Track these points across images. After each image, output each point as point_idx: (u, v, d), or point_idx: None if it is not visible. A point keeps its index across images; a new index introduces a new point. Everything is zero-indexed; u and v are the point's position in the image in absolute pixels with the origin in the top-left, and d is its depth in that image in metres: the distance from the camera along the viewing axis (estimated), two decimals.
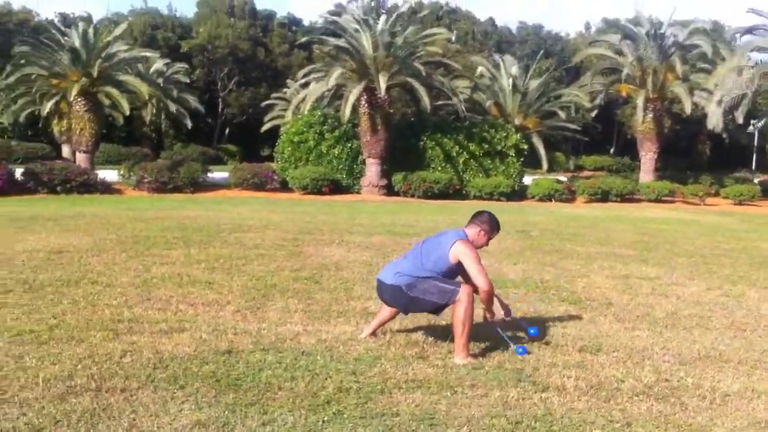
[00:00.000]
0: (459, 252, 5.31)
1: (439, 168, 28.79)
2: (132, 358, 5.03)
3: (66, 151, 37.05)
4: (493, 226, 5.59)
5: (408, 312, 5.69)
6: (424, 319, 6.46)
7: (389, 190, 28.17)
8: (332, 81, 26.75)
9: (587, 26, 68.87)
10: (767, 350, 5.89)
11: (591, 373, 5.07)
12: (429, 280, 5.31)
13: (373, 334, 5.77)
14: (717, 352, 5.75)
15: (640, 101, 31.59)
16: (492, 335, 5.72)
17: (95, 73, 27.70)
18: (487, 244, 5.61)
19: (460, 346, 5.24)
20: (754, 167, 43.81)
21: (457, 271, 5.40)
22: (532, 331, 5.72)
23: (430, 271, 5.34)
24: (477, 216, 5.63)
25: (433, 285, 5.30)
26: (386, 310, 5.72)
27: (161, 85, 38.53)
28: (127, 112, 30.27)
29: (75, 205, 19.43)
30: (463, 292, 5.24)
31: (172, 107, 40.13)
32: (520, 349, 5.43)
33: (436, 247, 5.42)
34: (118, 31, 30.67)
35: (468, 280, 5.40)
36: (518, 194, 28.31)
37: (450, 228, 5.87)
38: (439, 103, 32.82)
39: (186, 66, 46.02)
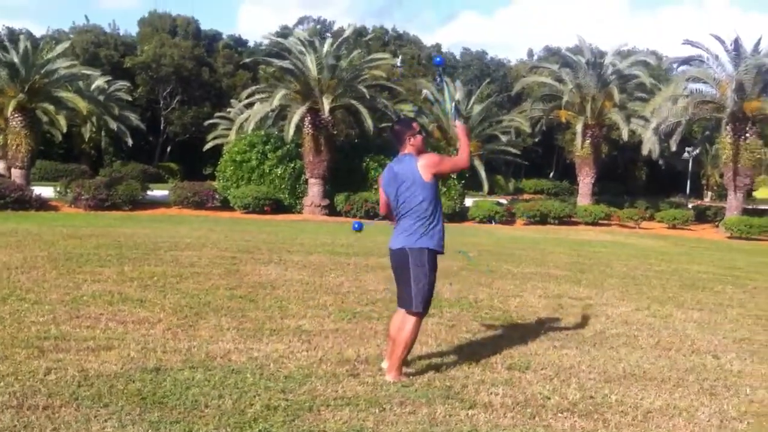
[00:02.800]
0: (427, 165, 5.14)
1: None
2: (56, 375, 4.93)
3: (1, 166, 36.17)
4: (408, 123, 5.38)
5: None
6: (357, 335, 6.49)
7: (331, 211, 28.19)
8: (276, 101, 26.79)
9: (530, 53, 70.21)
10: (690, 369, 6.05)
11: (518, 390, 5.15)
12: (423, 268, 5.15)
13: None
14: (641, 371, 5.88)
15: (579, 127, 32.28)
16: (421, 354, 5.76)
17: (33, 89, 27.18)
18: (425, 143, 5.39)
19: (395, 364, 5.23)
20: (687, 192, 45.00)
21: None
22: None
23: (425, 210, 5.16)
24: (397, 132, 5.34)
25: (426, 281, 5.17)
26: (398, 320, 5.37)
27: (102, 102, 38.01)
28: (65, 129, 29.78)
29: (8, 221, 18.96)
30: (424, 315, 5.28)
31: (113, 124, 39.62)
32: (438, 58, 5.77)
33: (409, 187, 5.16)
34: (59, 48, 30.25)
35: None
36: (459, 216, 28.59)
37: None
38: (383, 125, 33.07)
39: (128, 84, 45.55)
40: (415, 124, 5.36)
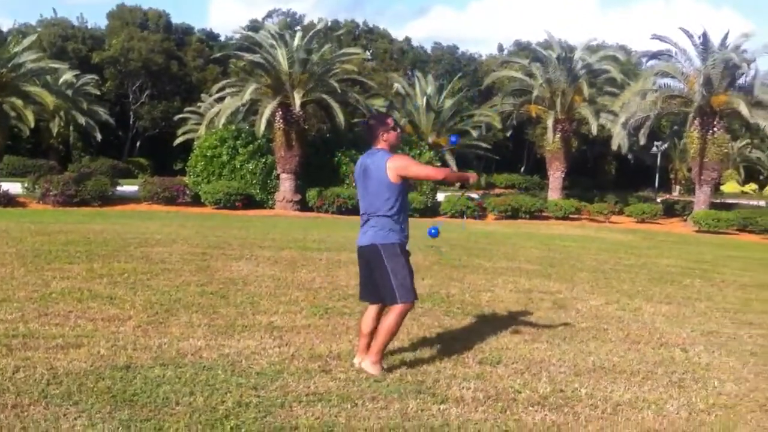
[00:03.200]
0: (395, 168, 5.13)
1: (354, 184, 28.88)
2: (25, 373, 4.87)
3: None
4: (382, 119, 5.36)
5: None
6: (329, 331, 6.49)
7: (303, 206, 28.12)
8: (247, 96, 26.64)
9: (500, 48, 70.51)
10: (659, 362, 6.12)
11: (490, 384, 5.18)
12: (399, 259, 5.17)
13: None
14: (611, 364, 5.95)
15: (549, 122, 32.48)
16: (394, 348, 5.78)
17: (0, 84, 26.77)
18: (399, 139, 5.36)
19: (374, 351, 5.22)
20: (656, 186, 45.53)
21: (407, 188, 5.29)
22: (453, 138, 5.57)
23: (391, 209, 5.16)
24: (371, 127, 5.31)
25: (401, 274, 5.16)
26: (370, 317, 5.39)
27: (70, 96, 37.53)
28: (32, 124, 29.39)
29: None
30: (409, 306, 5.23)
31: (81, 119, 39.16)
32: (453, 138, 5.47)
33: (376, 185, 5.18)
34: (26, 42, 29.83)
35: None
36: (431, 210, 28.64)
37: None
38: (355, 120, 33.05)
39: (96, 78, 45.07)
40: (389, 120, 5.35)
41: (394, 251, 5.17)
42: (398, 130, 5.35)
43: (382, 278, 5.19)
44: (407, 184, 5.29)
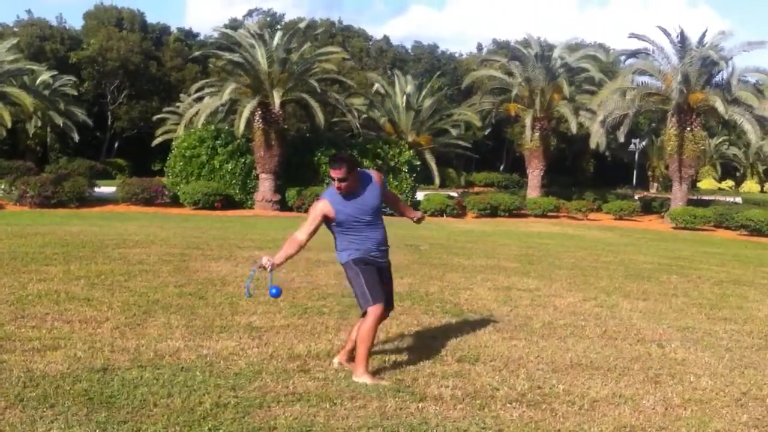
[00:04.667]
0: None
1: None
2: (1, 376, 4.84)
3: None
4: (335, 164, 5.19)
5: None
6: (308, 331, 6.49)
7: (283, 206, 28.07)
8: (226, 96, 26.55)
9: (479, 47, 70.67)
10: (636, 358, 6.18)
11: (468, 382, 5.20)
12: (354, 270, 5.25)
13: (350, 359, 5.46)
14: (588, 360, 6.00)
15: (528, 120, 32.62)
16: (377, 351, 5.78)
17: None
18: (342, 187, 5.15)
19: (358, 362, 5.18)
20: (634, 184, 45.87)
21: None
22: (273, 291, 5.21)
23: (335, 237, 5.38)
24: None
25: (357, 283, 5.23)
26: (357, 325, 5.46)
27: (48, 97, 37.21)
28: (9, 125, 29.19)
29: None
30: (374, 309, 5.17)
31: (59, 120, 38.83)
32: (274, 290, 5.17)
33: None
34: (6, 44, 29.57)
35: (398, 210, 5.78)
36: (412, 207, 28.64)
37: None
38: (335, 119, 33.07)
39: (74, 78, 44.65)
40: (339, 170, 5.14)
41: (349, 266, 5.29)
42: (337, 184, 5.17)
43: (353, 291, 5.36)
44: (343, 222, 5.26)
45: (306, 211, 26.94)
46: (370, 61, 58.91)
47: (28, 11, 56.14)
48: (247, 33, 29.17)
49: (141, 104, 52.46)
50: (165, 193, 27.77)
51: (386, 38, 66.17)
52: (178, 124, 37.13)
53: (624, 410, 4.80)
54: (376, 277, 5.27)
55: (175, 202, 27.61)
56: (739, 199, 40.62)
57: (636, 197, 37.03)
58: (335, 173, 5.13)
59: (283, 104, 27.00)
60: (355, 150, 29.31)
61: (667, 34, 29.15)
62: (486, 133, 39.69)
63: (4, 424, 4.01)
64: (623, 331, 7.21)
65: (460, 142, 36.84)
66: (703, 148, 30.04)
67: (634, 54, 31.05)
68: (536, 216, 30.16)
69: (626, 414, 4.74)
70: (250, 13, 65.58)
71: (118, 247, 12.32)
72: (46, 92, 38.20)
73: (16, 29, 51.56)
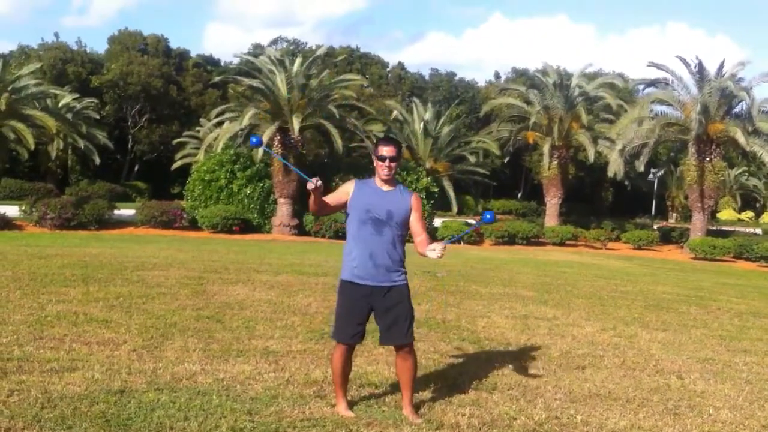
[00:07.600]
0: None
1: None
2: (19, 397, 4.86)
3: None
4: (376, 145, 5.11)
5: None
6: (325, 356, 6.47)
7: (300, 230, 28.13)
8: (246, 120, 26.77)
9: (497, 75, 70.82)
10: (654, 389, 6.12)
11: (485, 410, 5.17)
12: (340, 296, 5.05)
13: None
14: (607, 391, 5.94)
15: (546, 148, 32.60)
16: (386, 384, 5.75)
17: (2, 107, 26.88)
18: (391, 167, 5.03)
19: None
20: (653, 213, 45.62)
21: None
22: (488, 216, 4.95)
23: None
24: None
25: (336, 310, 5.05)
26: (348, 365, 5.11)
27: (70, 119, 37.66)
28: (32, 147, 29.50)
29: None
30: (336, 345, 5.02)
31: (80, 143, 39.30)
32: (488, 215, 4.90)
33: None
34: (30, 67, 30.04)
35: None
36: (428, 236, 28.61)
37: None
38: (353, 145, 33.16)
39: (96, 101, 45.17)
40: (392, 148, 5.06)
41: (339, 287, 5.05)
42: (380, 164, 5.06)
43: None
44: (355, 211, 5.09)
45: (323, 236, 27.10)
46: (389, 88, 59.18)
47: (56, 34, 56.90)
48: (267, 59, 29.46)
49: (161, 128, 52.94)
50: (184, 216, 27.89)
51: (401, 64, 66.52)
52: (197, 148, 37.45)
53: None
54: (355, 312, 4.91)
55: (194, 225, 27.74)
56: (759, 231, 40.23)
57: (655, 227, 36.79)
58: (388, 150, 4.95)
59: (302, 129, 27.19)
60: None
61: (686, 64, 29.12)
62: (504, 160, 39.66)
63: None
64: (642, 362, 7.15)
65: (478, 169, 36.89)
66: (722, 178, 29.86)
67: (652, 83, 31.01)
68: (554, 244, 30.03)
69: None
70: (275, 41, 66.10)
71: (136, 270, 12.39)
72: (69, 115, 38.66)
73: (40, 52, 52.29)
